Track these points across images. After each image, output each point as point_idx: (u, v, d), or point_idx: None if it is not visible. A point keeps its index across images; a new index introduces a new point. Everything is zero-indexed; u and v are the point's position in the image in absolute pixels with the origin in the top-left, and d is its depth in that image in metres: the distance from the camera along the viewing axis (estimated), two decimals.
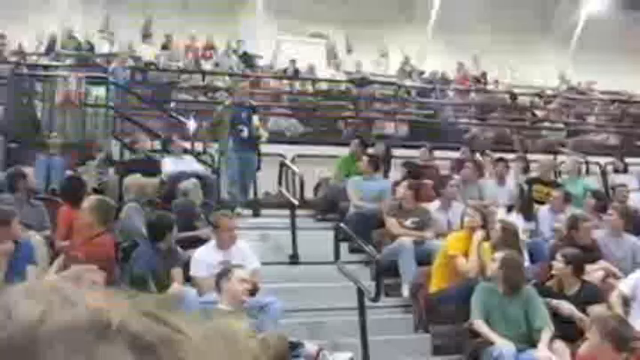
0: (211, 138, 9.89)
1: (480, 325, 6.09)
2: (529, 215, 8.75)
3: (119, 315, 0.60)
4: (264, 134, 9.79)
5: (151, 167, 9.05)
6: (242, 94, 10.00)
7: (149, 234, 6.79)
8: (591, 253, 7.24)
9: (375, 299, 6.73)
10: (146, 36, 17.48)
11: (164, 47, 17.21)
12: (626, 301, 6.47)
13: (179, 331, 0.61)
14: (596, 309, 6.10)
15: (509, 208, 8.86)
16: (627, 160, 12.35)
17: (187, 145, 10.07)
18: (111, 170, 9.37)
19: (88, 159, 9.41)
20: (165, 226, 6.70)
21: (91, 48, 16.35)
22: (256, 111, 9.84)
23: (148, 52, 16.49)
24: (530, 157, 11.34)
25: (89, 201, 6.77)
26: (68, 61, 14.35)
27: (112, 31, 17.15)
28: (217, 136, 9.65)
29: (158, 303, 0.64)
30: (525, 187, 9.43)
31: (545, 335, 5.99)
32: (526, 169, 10.80)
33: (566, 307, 6.25)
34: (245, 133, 9.34)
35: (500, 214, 8.59)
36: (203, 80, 15.04)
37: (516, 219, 8.28)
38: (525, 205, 8.87)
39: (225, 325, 0.68)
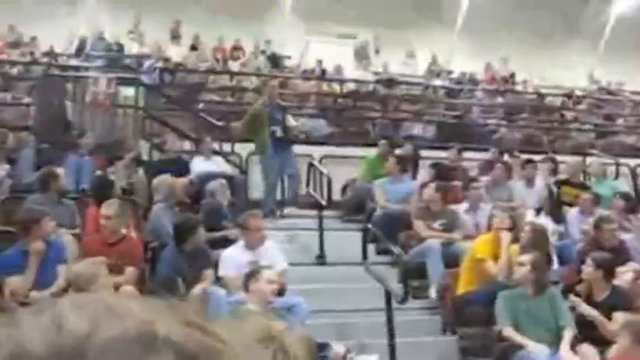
0: (248, 135, 9.64)
1: (509, 331, 6.07)
2: (558, 217, 8.68)
3: (164, 326, 0.61)
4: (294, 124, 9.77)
5: (180, 168, 9.12)
6: (272, 95, 9.88)
7: (175, 235, 6.86)
8: (619, 255, 7.17)
9: (403, 301, 6.72)
10: (175, 37, 17.61)
11: (192, 48, 17.31)
12: None
13: (221, 340, 0.63)
14: (622, 315, 6.03)
15: (538, 210, 8.80)
16: None
17: (216, 145, 10.13)
18: (140, 170, 9.45)
19: (118, 159, 9.50)
20: (189, 228, 6.75)
21: (121, 49, 16.50)
22: (286, 111, 9.79)
23: (177, 53, 16.61)
24: (558, 158, 11.25)
25: (109, 207, 6.82)
26: (98, 62, 14.50)
27: (142, 32, 17.29)
28: (254, 136, 9.49)
29: (199, 312, 0.65)
30: (554, 188, 9.36)
31: (568, 335, 5.99)
32: (554, 171, 10.72)
33: (585, 307, 6.18)
34: (278, 133, 9.27)
35: (529, 216, 8.54)
36: (231, 81, 15.12)
37: (545, 221, 8.22)
38: (554, 207, 8.80)
39: (266, 331, 0.70)
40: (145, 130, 10.75)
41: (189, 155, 9.92)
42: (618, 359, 4.57)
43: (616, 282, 6.59)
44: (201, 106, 12.96)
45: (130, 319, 0.60)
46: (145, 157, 9.98)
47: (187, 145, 10.37)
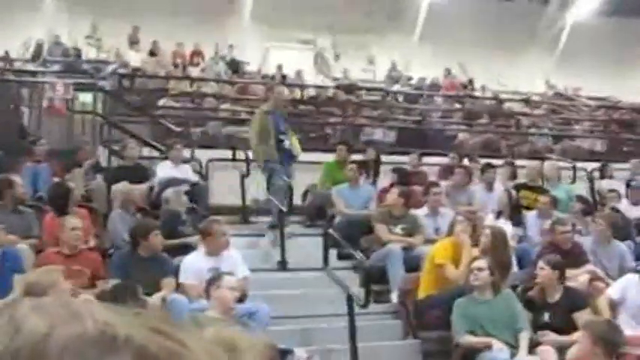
0: (262, 148, 8.84)
1: (467, 339, 6.10)
2: (517, 221, 8.77)
3: (125, 328, 0.61)
4: (299, 152, 9.25)
5: (139, 174, 9.02)
6: (279, 102, 9.28)
7: (130, 241, 6.81)
8: (574, 257, 7.28)
9: (364, 305, 6.73)
10: (133, 43, 17.46)
11: (151, 54, 17.19)
12: (614, 307, 6.50)
13: (184, 345, 0.63)
14: (583, 315, 6.13)
15: (498, 214, 8.89)
16: (614, 165, 12.42)
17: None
18: (99, 177, 9.33)
19: (76, 166, 9.36)
20: (144, 232, 6.69)
21: (78, 54, 16.31)
22: (286, 119, 9.34)
23: (136, 59, 16.49)
24: (516, 162, 11.38)
25: (75, 218, 6.74)
26: (55, 68, 14.30)
27: (100, 38, 17.12)
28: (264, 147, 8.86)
29: (162, 318, 0.66)
30: (514, 192, 9.46)
31: (525, 337, 6.05)
32: (513, 175, 10.84)
33: (555, 337, 6.22)
34: (287, 144, 8.89)
35: (489, 220, 8.62)
36: (191, 87, 15.04)
37: (505, 225, 8.30)
38: (514, 210, 8.89)
39: (228, 338, 0.69)
40: (103, 136, 10.62)
41: (149, 161, 9.82)
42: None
43: (571, 284, 6.69)
44: (160, 111, 12.85)
45: (90, 321, 0.61)
46: (103, 164, 9.85)
47: (146, 151, 10.26)
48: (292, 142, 9.07)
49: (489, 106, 16.99)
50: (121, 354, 0.60)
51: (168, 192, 8.36)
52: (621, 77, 20.46)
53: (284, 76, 16.90)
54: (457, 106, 16.94)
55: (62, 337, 0.59)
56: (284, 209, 8.57)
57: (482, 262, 6.35)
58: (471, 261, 6.58)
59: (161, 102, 13.52)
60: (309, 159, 10.90)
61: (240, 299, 6.00)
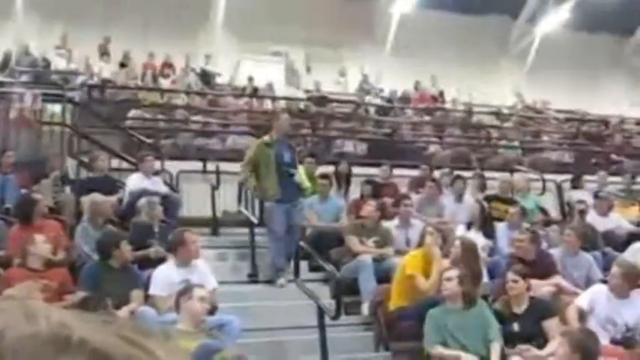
0: (252, 179, 8.07)
1: (438, 350, 6.10)
2: (489, 232, 8.83)
3: (81, 331, 0.61)
4: (308, 186, 8.57)
5: (108, 186, 8.94)
6: (282, 129, 8.38)
7: (98, 252, 6.75)
8: (539, 268, 7.32)
9: (335, 317, 6.71)
10: (104, 53, 17.33)
11: (122, 65, 17.06)
12: (582, 316, 6.55)
13: (150, 353, 0.63)
14: (554, 325, 6.17)
15: (468, 226, 8.93)
16: (582, 177, 12.55)
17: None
18: (67, 189, 9.23)
19: (44, 177, 9.25)
20: (112, 244, 6.62)
21: (48, 64, 16.14)
22: (294, 149, 8.53)
23: (106, 70, 16.37)
24: (486, 174, 11.47)
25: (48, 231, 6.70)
26: (24, 78, 14.15)
27: (70, 48, 16.96)
28: (259, 180, 8.05)
29: (133, 327, 0.66)
30: (485, 204, 9.52)
31: (496, 348, 6.06)
32: (483, 187, 10.91)
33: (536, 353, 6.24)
34: (296, 177, 8.12)
35: (460, 231, 8.66)
36: (162, 98, 14.95)
37: (475, 236, 8.34)
38: (485, 222, 8.95)
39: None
40: (72, 147, 10.52)
41: (119, 173, 9.74)
42: None
43: (537, 294, 6.75)
44: (130, 123, 12.75)
45: (44, 321, 0.62)
46: (72, 175, 9.75)
47: (115, 162, 10.18)
48: (300, 174, 8.39)
49: (460, 118, 17.11)
50: (75, 355, 0.60)
51: (142, 202, 8.28)
52: (589, 90, 20.76)
53: (255, 88, 16.88)
54: (428, 118, 17.03)
55: (15, 337, 0.60)
56: (255, 221, 8.53)
57: (451, 272, 6.36)
58: (442, 272, 6.58)
59: (131, 113, 13.43)
60: None
61: (211, 311, 5.95)
